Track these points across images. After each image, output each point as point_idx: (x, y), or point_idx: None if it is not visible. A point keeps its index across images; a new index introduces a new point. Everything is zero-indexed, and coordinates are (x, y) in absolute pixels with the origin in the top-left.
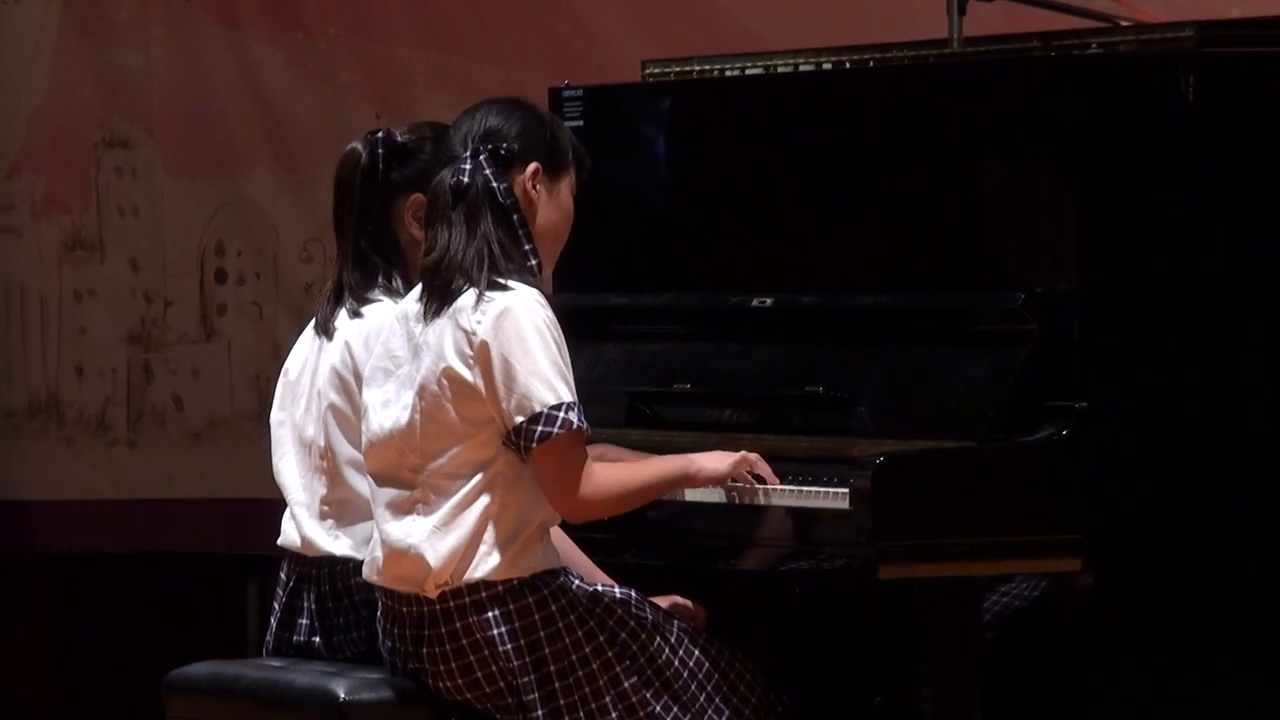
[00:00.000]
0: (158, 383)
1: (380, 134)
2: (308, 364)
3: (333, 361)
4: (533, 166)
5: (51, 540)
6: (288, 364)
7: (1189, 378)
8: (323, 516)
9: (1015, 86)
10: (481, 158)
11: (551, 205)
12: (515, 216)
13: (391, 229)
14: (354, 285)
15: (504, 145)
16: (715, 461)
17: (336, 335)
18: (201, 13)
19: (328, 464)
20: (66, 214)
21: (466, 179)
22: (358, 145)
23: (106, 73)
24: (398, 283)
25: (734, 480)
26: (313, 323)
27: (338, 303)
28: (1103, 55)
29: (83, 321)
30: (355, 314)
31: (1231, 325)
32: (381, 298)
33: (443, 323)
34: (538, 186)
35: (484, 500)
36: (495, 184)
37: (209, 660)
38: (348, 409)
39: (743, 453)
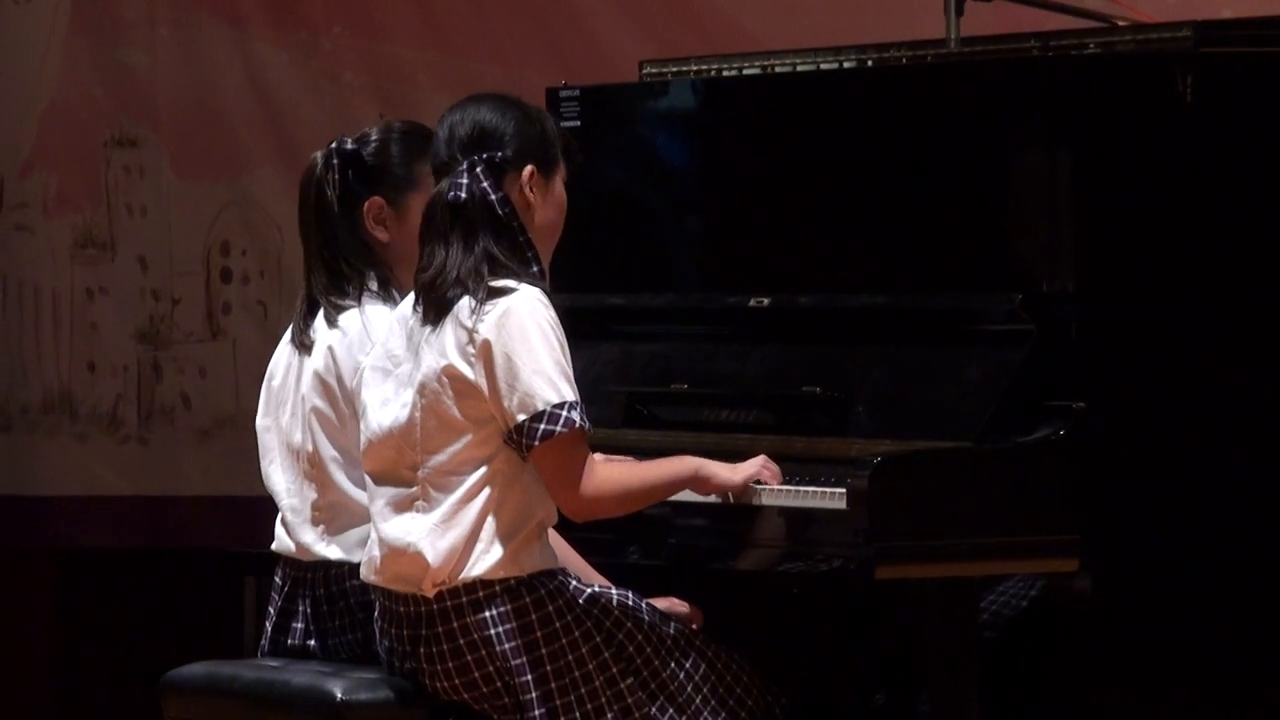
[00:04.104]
0: (166, 380)
1: (334, 143)
2: (291, 369)
3: (315, 366)
4: (528, 170)
5: (65, 536)
6: (271, 369)
7: (1186, 378)
8: (314, 522)
9: (1012, 87)
10: (478, 170)
11: (548, 204)
12: (515, 224)
13: (359, 234)
14: (325, 294)
15: (499, 153)
16: (728, 471)
17: (319, 341)
18: (207, 13)
19: (316, 469)
20: (78, 212)
21: (464, 194)
22: (316, 155)
23: (115, 72)
24: (373, 283)
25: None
26: (289, 333)
27: (311, 313)
28: (1100, 55)
29: (94, 319)
30: (333, 322)
31: (1229, 325)
32: (352, 304)
33: (444, 322)
34: (533, 189)
35: (483, 498)
36: (493, 195)
37: (206, 659)
38: (331, 413)
39: (761, 461)
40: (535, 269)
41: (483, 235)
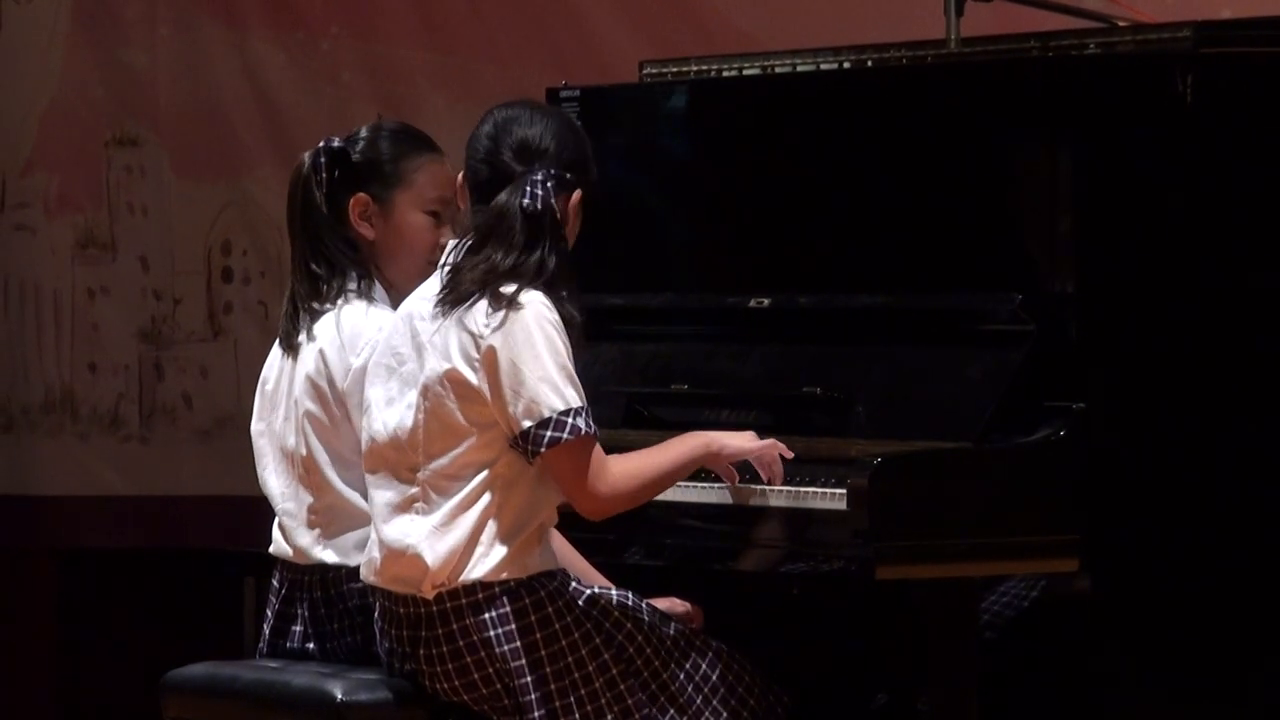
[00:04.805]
0: (168, 380)
1: (321, 143)
2: (284, 373)
3: (307, 370)
4: (578, 194)
5: (66, 536)
6: (264, 373)
7: (1186, 378)
8: (310, 525)
9: (1012, 87)
10: (550, 185)
11: (573, 229)
12: (562, 244)
13: (345, 232)
14: (304, 298)
15: (568, 173)
16: (741, 439)
17: (312, 343)
18: (206, 13)
19: (310, 473)
20: (79, 212)
21: (540, 205)
22: (304, 156)
23: (115, 72)
24: (352, 283)
25: (744, 469)
26: (279, 337)
27: (296, 315)
28: (1100, 56)
29: (95, 319)
30: (311, 327)
31: (1229, 326)
32: (330, 307)
33: (449, 324)
34: (573, 212)
35: (484, 501)
36: (557, 212)
37: (206, 659)
38: (324, 416)
39: (772, 439)
40: (562, 286)
41: (540, 245)
